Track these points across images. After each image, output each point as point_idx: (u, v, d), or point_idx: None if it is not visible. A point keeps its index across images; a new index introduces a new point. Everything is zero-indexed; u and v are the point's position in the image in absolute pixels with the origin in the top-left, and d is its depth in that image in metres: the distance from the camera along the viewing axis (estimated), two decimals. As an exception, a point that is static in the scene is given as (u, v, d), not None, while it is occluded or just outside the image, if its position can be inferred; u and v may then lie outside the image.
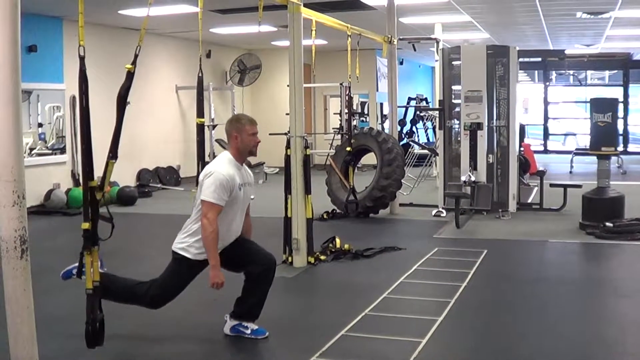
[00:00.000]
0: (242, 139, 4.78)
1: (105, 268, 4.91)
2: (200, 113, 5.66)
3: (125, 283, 4.93)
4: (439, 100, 11.17)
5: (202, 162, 5.55)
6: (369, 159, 11.87)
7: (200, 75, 5.62)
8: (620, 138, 20.13)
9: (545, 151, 21.93)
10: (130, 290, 4.86)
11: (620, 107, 19.56)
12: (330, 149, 14.67)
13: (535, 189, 11.69)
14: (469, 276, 6.62)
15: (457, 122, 10.62)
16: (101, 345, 4.23)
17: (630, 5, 11.41)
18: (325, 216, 10.17)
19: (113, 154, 4.19)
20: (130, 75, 4.25)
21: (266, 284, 4.93)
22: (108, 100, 12.60)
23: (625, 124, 21.20)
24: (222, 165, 4.72)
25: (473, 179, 9.93)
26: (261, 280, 4.89)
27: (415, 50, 15.71)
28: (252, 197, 5.00)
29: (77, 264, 4.71)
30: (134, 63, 4.26)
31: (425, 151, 14.26)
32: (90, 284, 4.10)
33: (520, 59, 11.28)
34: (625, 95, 21.34)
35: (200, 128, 5.63)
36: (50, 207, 11.34)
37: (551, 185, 10.73)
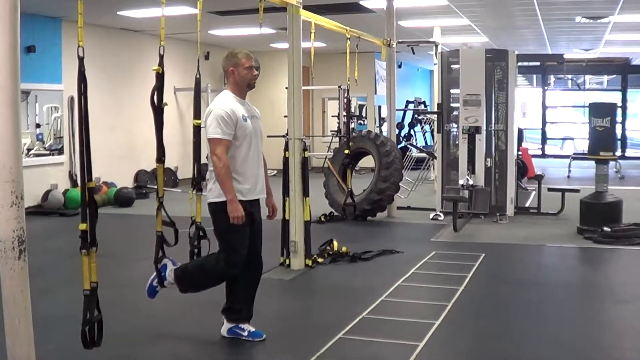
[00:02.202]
0: (239, 72, 4.76)
1: (179, 263, 4.89)
2: (197, 114, 5.64)
3: (196, 264, 4.89)
4: (438, 104, 11.18)
5: (198, 164, 5.54)
6: (367, 161, 11.87)
7: (198, 76, 5.61)
8: (619, 143, 20.14)
9: (543, 155, 21.94)
10: (204, 268, 4.82)
11: (619, 111, 19.59)
12: (328, 152, 14.66)
13: (533, 193, 11.69)
14: (467, 280, 6.61)
15: (456, 125, 10.63)
16: (98, 347, 4.21)
17: (629, 10, 11.43)
18: (323, 219, 10.16)
19: (159, 158, 4.25)
20: (159, 77, 4.28)
21: (253, 287, 4.92)
22: (107, 101, 12.70)
23: (624, 129, 21.22)
24: (222, 101, 4.70)
25: (471, 182, 9.95)
26: (247, 283, 4.88)
27: (414, 53, 15.73)
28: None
29: (155, 276, 4.75)
30: (160, 64, 4.28)
31: (423, 154, 14.27)
32: (87, 285, 4.09)
33: (519, 63, 11.29)
34: (624, 100, 21.36)
35: (197, 129, 5.62)
36: (48, 207, 11.33)
37: (549, 189, 10.74)
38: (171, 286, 4.87)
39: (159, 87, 4.46)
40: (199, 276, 4.84)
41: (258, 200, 4.89)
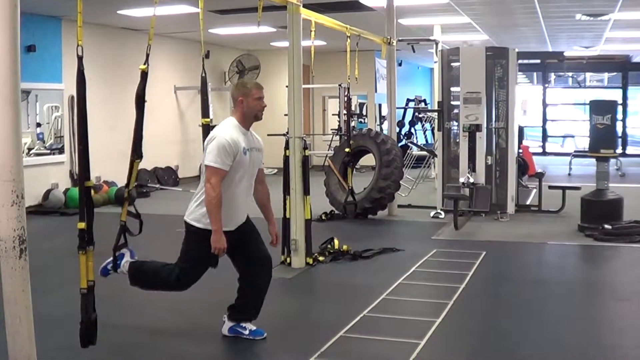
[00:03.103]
0: (248, 102, 4.74)
1: (136, 256, 4.91)
2: (205, 113, 5.64)
3: (152, 267, 4.92)
4: (438, 102, 11.17)
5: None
6: (368, 160, 11.86)
7: (203, 75, 5.61)
8: (619, 140, 20.13)
9: (544, 153, 21.91)
10: (157, 274, 4.84)
11: (619, 109, 19.57)
12: (328, 150, 14.66)
13: (534, 190, 11.69)
14: (468, 278, 6.61)
15: (456, 123, 10.61)
16: (94, 345, 4.22)
17: (630, 8, 11.42)
18: (323, 217, 10.16)
19: (137, 153, 4.23)
20: (144, 75, 4.28)
21: (263, 285, 4.92)
22: (107, 100, 12.69)
23: (624, 126, 21.19)
24: (226, 129, 4.68)
25: (472, 180, 9.94)
26: (257, 281, 4.88)
27: (414, 51, 15.72)
28: (262, 164, 4.95)
29: (111, 260, 4.77)
30: (146, 63, 4.29)
31: (424, 152, 14.26)
32: (84, 284, 4.09)
33: (519, 61, 11.28)
34: (624, 97, 21.32)
35: (206, 128, 5.59)
36: (49, 207, 11.33)
37: (550, 187, 10.74)
38: (122, 275, 4.87)
39: (144, 86, 4.44)
40: (151, 279, 4.89)
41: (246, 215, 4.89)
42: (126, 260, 4.85)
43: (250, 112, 4.76)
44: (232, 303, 4.93)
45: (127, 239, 4.78)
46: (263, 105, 4.84)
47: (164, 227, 8.87)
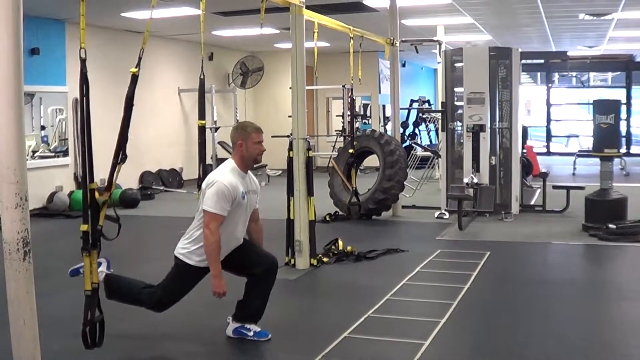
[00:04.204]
0: (247, 147, 4.76)
1: (112, 269, 4.92)
2: (201, 115, 5.65)
3: (131, 285, 4.95)
4: (442, 102, 11.16)
5: (203, 165, 5.54)
6: (372, 161, 11.86)
7: (202, 77, 5.62)
8: (623, 140, 20.11)
9: (548, 153, 21.91)
10: (136, 293, 4.88)
11: (623, 108, 19.55)
12: (332, 151, 14.66)
13: (538, 190, 11.67)
14: (472, 278, 6.61)
15: (460, 124, 10.60)
16: (99, 347, 4.22)
17: (633, 7, 11.40)
18: (327, 218, 10.17)
19: (121, 156, 4.21)
20: (134, 78, 4.27)
21: (267, 286, 4.93)
22: (110, 103, 12.69)
23: (628, 126, 21.18)
24: (225, 174, 4.70)
25: (476, 180, 9.93)
26: (262, 281, 4.90)
27: (417, 52, 15.72)
28: (257, 205, 4.98)
29: (82, 265, 4.75)
30: (137, 66, 4.27)
31: (428, 153, 14.26)
32: (89, 286, 4.10)
33: (523, 61, 11.28)
34: (628, 96, 21.32)
35: (202, 130, 5.62)
36: (53, 209, 11.36)
37: (554, 187, 10.73)
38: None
39: (134, 90, 4.42)
40: (128, 296, 4.92)
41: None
42: (101, 270, 4.80)
43: (249, 156, 4.78)
44: (239, 300, 4.95)
45: (101, 246, 4.72)
46: (262, 150, 4.85)
47: (168, 229, 8.89)
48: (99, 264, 4.76)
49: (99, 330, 4.23)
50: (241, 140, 4.76)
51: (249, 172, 4.89)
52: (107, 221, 4.20)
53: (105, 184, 4.31)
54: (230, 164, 4.81)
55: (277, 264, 5.03)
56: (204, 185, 4.73)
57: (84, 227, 4.04)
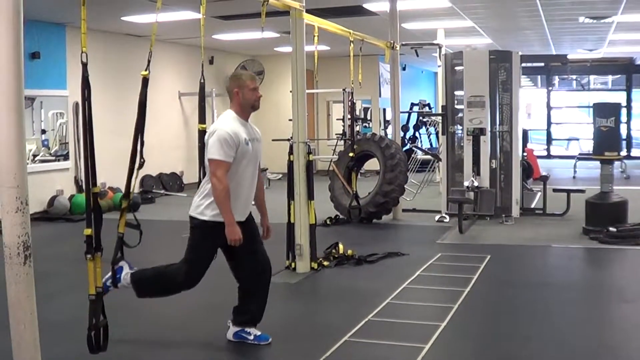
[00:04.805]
0: (244, 94, 4.77)
1: (135, 267, 4.89)
2: (202, 119, 5.66)
3: (155, 270, 4.89)
4: (442, 106, 11.16)
5: (203, 168, 5.55)
6: (372, 164, 11.87)
7: (202, 81, 5.63)
8: (624, 143, 20.11)
9: (549, 156, 21.91)
10: (163, 277, 4.82)
11: (623, 111, 19.56)
12: (333, 155, 14.65)
13: (539, 194, 11.67)
14: (472, 281, 6.61)
15: (460, 127, 10.60)
16: (104, 351, 4.23)
17: (633, 10, 11.41)
18: (328, 222, 10.17)
19: (138, 161, 4.25)
20: (145, 82, 4.31)
21: (258, 289, 4.90)
22: (111, 106, 12.71)
23: (629, 129, 21.19)
24: (225, 122, 4.71)
25: (476, 184, 9.93)
26: (251, 286, 4.87)
27: (417, 55, 15.72)
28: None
29: (110, 276, 4.75)
30: (147, 69, 4.30)
31: (428, 157, 14.25)
32: (93, 290, 4.10)
33: (523, 64, 11.27)
34: (628, 99, 21.33)
35: (202, 134, 5.62)
36: (54, 213, 11.36)
37: (554, 190, 10.73)
38: (124, 288, 4.83)
39: (146, 93, 4.46)
40: (157, 284, 4.86)
41: (248, 214, 4.88)
42: (125, 272, 4.81)
43: (246, 103, 4.79)
44: (236, 305, 4.94)
45: (123, 250, 4.75)
46: (258, 96, 4.85)
47: (169, 232, 8.91)
48: (121, 268, 4.78)
49: (104, 335, 4.22)
50: (237, 89, 4.78)
51: (250, 123, 4.87)
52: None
53: (125, 191, 4.34)
54: (229, 113, 4.81)
55: (269, 267, 4.97)
56: (206, 137, 4.74)
57: (88, 231, 4.04)
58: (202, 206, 4.67)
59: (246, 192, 4.77)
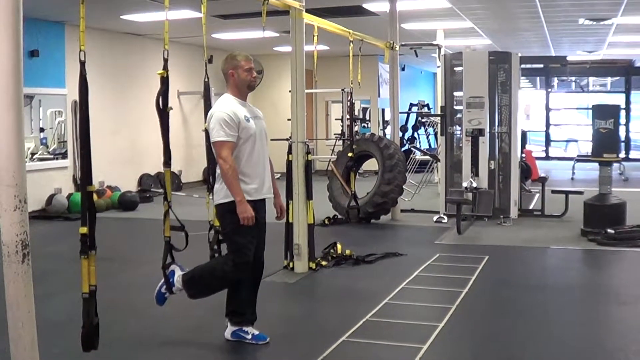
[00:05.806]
0: (239, 74, 4.79)
1: (187, 268, 4.87)
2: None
3: (203, 266, 4.88)
4: (441, 107, 11.17)
5: (213, 166, 5.55)
6: (371, 164, 11.87)
7: (206, 80, 5.62)
8: (622, 145, 20.12)
9: (547, 157, 21.92)
10: (211, 273, 4.81)
11: (622, 113, 19.56)
12: (331, 155, 14.66)
13: (537, 195, 11.67)
14: (470, 282, 6.61)
15: (459, 128, 10.61)
16: (96, 349, 4.21)
17: (632, 12, 11.42)
18: (326, 222, 10.16)
19: (166, 162, 4.26)
20: (164, 80, 4.32)
21: (250, 289, 4.90)
22: (110, 105, 12.71)
23: (627, 131, 21.20)
24: (223, 104, 4.73)
25: (475, 185, 9.93)
26: (243, 285, 4.86)
27: (417, 56, 15.74)
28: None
29: (163, 282, 4.74)
30: (165, 68, 4.32)
31: (427, 157, 14.25)
32: (86, 288, 4.09)
33: (522, 66, 11.27)
34: (627, 101, 21.34)
35: (208, 134, 5.61)
36: (52, 211, 11.34)
37: (553, 191, 10.73)
38: (179, 292, 4.84)
39: (165, 91, 4.50)
40: (208, 280, 4.82)
41: (264, 201, 4.88)
42: (178, 275, 4.79)
43: (242, 83, 4.81)
44: (228, 310, 4.93)
45: (173, 255, 4.74)
46: (254, 76, 4.87)
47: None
48: (173, 272, 4.76)
49: (95, 333, 4.21)
50: (232, 70, 4.80)
51: (249, 103, 4.89)
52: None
53: (164, 194, 4.37)
54: (226, 96, 4.83)
55: (260, 266, 4.97)
56: (206, 123, 4.76)
57: (83, 230, 4.03)
58: (223, 190, 4.66)
59: (260, 170, 4.79)
